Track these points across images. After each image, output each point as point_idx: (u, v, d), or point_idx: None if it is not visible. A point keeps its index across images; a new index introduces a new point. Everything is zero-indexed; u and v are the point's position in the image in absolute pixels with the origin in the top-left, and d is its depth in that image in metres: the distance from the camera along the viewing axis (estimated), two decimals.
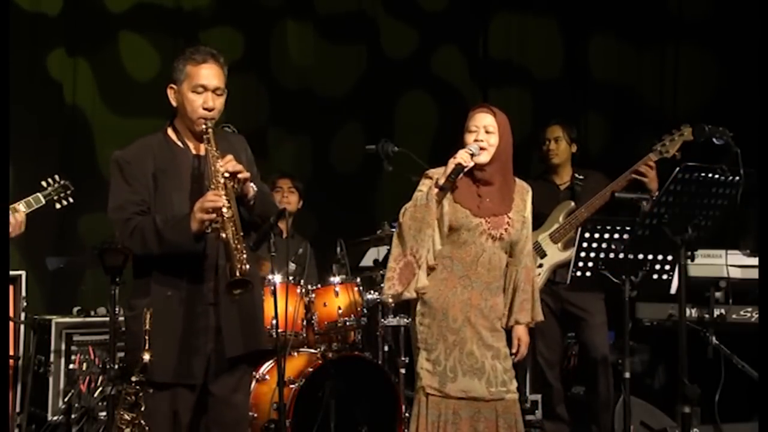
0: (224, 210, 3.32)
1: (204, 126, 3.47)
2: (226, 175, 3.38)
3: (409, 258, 3.81)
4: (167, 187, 3.51)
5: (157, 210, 3.49)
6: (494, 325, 3.90)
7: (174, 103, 3.58)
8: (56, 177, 4.76)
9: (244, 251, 3.33)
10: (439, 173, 3.91)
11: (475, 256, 3.86)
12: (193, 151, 3.59)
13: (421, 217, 3.80)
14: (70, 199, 4.80)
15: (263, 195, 3.60)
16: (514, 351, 3.96)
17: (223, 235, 3.33)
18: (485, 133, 3.88)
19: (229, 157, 3.44)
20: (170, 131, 3.62)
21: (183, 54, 3.61)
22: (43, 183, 4.68)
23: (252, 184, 3.50)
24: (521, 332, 3.99)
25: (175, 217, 3.43)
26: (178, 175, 3.53)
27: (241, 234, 3.35)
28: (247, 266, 3.32)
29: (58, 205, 4.76)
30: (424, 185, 3.91)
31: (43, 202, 4.62)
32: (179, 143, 3.59)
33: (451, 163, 3.80)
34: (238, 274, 3.28)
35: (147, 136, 3.67)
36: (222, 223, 3.33)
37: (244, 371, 3.68)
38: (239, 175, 3.40)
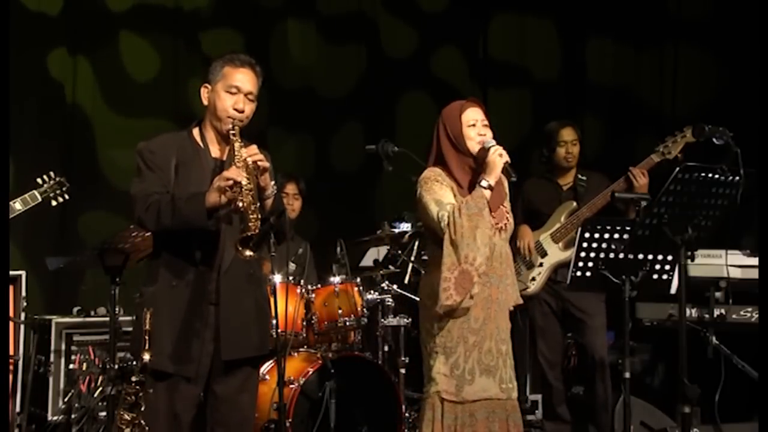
0: (243, 182, 3.37)
1: (231, 125, 3.53)
2: (249, 161, 3.43)
3: (465, 267, 3.71)
4: (186, 182, 3.56)
5: None
6: (507, 317, 3.90)
7: (205, 102, 3.64)
8: (51, 174, 4.72)
9: (259, 219, 3.36)
10: (437, 174, 3.87)
11: (490, 251, 3.83)
12: (213, 154, 3.63)
13: (475, 225, 3.71)
14: (66, 196, 4.78)
15: (279, 197, 3.64)
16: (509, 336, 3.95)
17: (240, 204, 3.37)
18: (483, 127, 3.87)
19: (254, 146, 3.51)
20: (195, 132, 3.67)
21: (222, 57, 3.66)
22: (39, 180, 4.64)
23: (273, 182, 3.56)
24: None
25: (191, 193, 3.48)
26: (197, 173, 3.58)
27: (258, 204, 3.40)
28: (258, 228, 3.35)
29: (54, 202, 4.73)
30: (441, 188, 3.81)
31: (39, 199, 4.59)
32: (201, 144, 3.64)
33: (500, 163, 3.75)
34: (252, 227, 3.31)
35: (171, 133, 3.75)
36: (240, 194, 3.37)
37: (249, 373, 3.69)
38: (260, 163, 3.45)
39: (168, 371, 3.52)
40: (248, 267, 3.59)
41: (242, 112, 3.56)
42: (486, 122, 3.88)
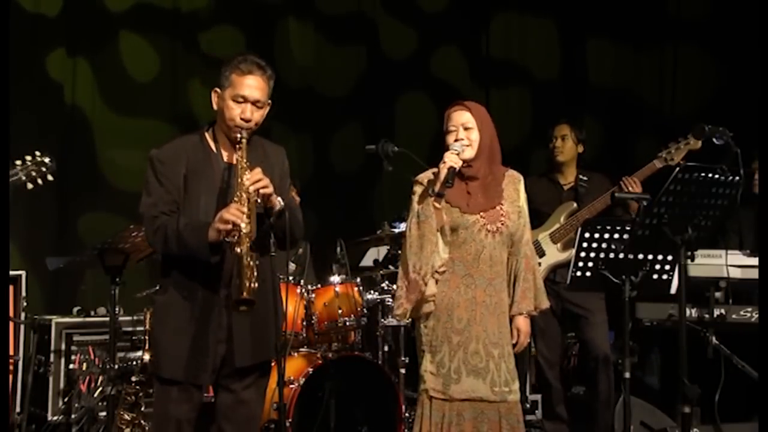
0: (242, 225, 3.34)
1: (238, 136, 3.49)
2: (251, 189, 3.38)
3: (413, 276, 3.80)
4: (197, 190, 3.53)
5: (186, 210, 3.52)
6: (501, 321, 3.89)
7: (215, 107, 3.59)
8: (37, 153, 4.37)
9: (256, 269, 3.35)
10: (428, 177, 3.90)
11: (476, 253, 3.84)
12: (225, 158, 3.59)
13: (422, 233, 3.80)
14: (49, 177, 4.38)
15: (290, 211, 3.55)
16: (513, 341, 3.93)
17: (238, 250, 3.35)
18: (464, 130, 3.87)
19: (257, 170, 3.43)
20: (207, 135, 3.63)
21: (231, 61, 3.57)
22: (17, 162, 4.29)
23: (279, 198, 3.48)
24: (521, 323, 3.95)
25: (197, 222, 3.46)
26: (208, 178, 3.55)
27: (256, 252, 3.38)
28: (256, 284, 3.34)
29: (30, 185, 4.34)
30: (418, 195, 3.91)
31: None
32: (213, 148, 3.61)
33: (443, 168, 3.77)
34: (244, 293, 3.31)
35: (184, 136, 3.70)
36: (238, 238, 3.35)
37: (260, 374, 3.68)
38: (262, 191, 3.41)
39: (181, 380, 3.51)
40: (261, 271, 3.53)
41: (249, 121, 3.52)
42: (469, 125, 3.87)
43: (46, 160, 4.38)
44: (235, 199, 3.40)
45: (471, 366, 3.80)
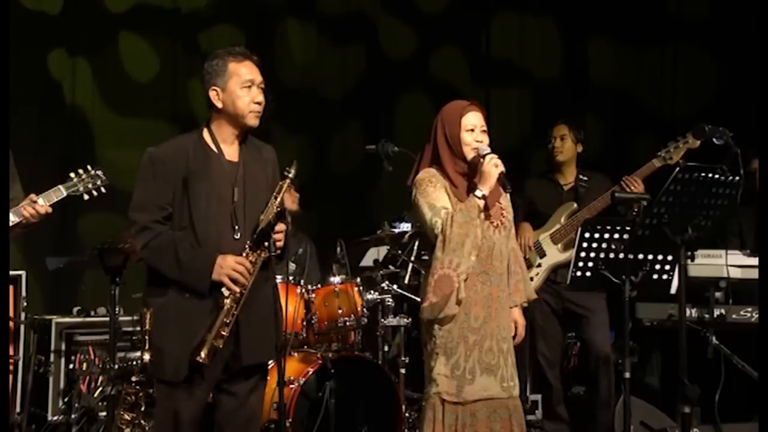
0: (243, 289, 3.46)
1: (256, 122, 3.58)
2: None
3: (447, 271, 3.74)
4: (197, 191, 3.51)
5: (185, 212, 3.51)
6: (508, 314, 3.91)
7: (220, 105, 3.57)
8: (88, 167, 4.50)
9: (228, 330, 3.45)
10: (430, 176, 3.87)
11: (489, 250, 3.84)
12: (227, 157, 3.59)
13: (464, 232, 3.73)
14: (103, 190, 4.51)
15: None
16: (512, 333, 3.95)
17: (227, 302, 3.45)
18: (481, 133, 3.87)
19: (281, 227, 3.56)
20: (205, 134, 3.62)
21: (218, 56, 3.60)
22: (72, 174, 4.44)
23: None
24: (517, 314, 3.98)
25: (198, 258, 3.48)
26: (209, 179, 3.53)
27: (235, 314, 3.49)
28: (222, 345, 3.44)
29: (86, 196, 4.49)
30: (435, 191, 3.82)
31: (65, 194, 4.34)
32: (213, 147, 3.59)
33: (495, 173, 3.75)
34: (202, 355, 3.41)
35: (182, 136, 3.70)
36: (231, 293, 3.47)
37: (261, 376, 3.70)
38: (278, 244, 3.54)
39: (182, 381, 3.51)
40: (264, 271, 3.56)
41: (260, 103, 3.57)
42: (485, 128, 3.88)
43: (99, 173, 4.51)
44: (247, 249, 3.50)
45: (485, 364, 3.80)
